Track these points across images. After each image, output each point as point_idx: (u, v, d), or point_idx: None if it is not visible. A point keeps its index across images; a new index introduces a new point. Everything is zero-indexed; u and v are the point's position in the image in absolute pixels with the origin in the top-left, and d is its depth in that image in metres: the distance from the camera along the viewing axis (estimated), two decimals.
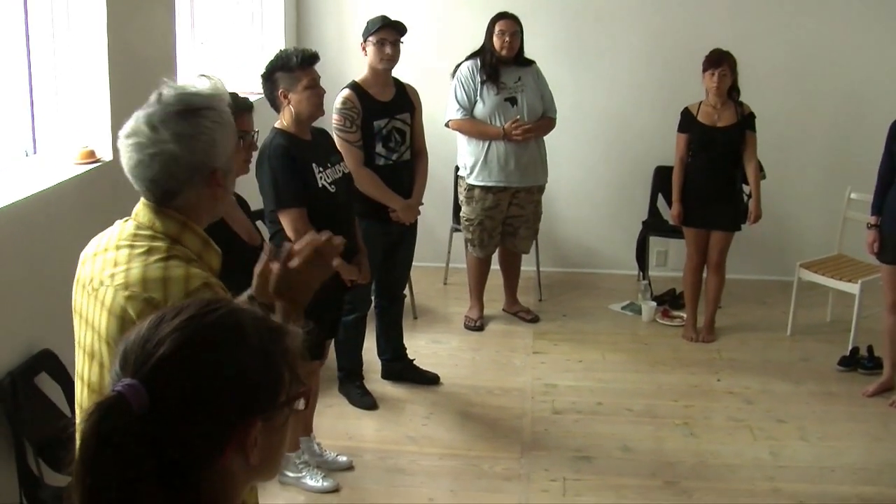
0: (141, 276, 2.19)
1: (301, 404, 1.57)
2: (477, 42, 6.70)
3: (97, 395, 2.28)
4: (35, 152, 4.40)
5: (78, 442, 1.39)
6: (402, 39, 5.66)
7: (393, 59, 5.61)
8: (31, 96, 4.37)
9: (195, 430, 1.43)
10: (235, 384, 1.46)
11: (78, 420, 1.43)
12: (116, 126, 4.48)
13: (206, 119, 2.19)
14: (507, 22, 6.58)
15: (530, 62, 6.76)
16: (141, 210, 2.28)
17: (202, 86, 2.25)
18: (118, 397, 1.38)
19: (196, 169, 2.20)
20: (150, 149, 2.19)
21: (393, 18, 5.66)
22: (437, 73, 7.15)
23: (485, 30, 6.65)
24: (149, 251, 2.22)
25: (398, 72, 5.79)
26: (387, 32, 5.58)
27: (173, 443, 1.41)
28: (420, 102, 5.85)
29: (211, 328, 1.48)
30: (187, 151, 2.18)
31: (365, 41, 5.63)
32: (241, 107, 3.55)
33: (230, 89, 3.57)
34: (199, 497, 1.45)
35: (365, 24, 5.68)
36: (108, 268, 2.24)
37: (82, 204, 4.17)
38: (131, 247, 2.24)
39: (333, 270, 2.34)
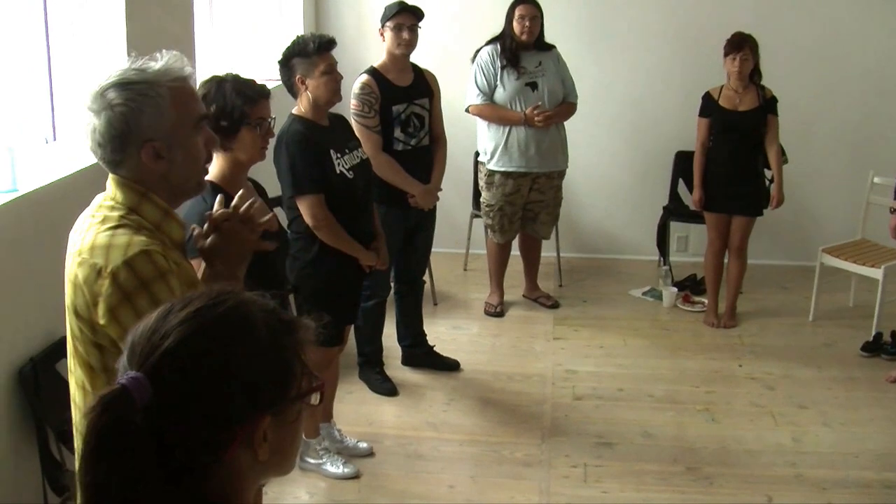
0: (91, 243, 2.27)
1: (315, 399, 1.55)
2: (497, 27, 6.68)
3: (72, 360, 2.36)
4: (55, 139, 4.41)
5: (81, 434, 1.38)
6: (420, 24, 5.63)
7: (410, 44, 5.58)
8: (51, 84, 4.38)
9: (199, 424, 1.41)
10: (242, 378, 1.44)
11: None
12: None
13: (132, 92, 2.25)
14: (527, 6, 6.55)
15: (551, 47, 6.72)
16: (109, 181, 2.37)
17: (156, 63, 2.31)
18: (121, 390, 1.37)
19: (124, 140, 2.27)
20: (86, 119, 2.29)
21: (410, 3, 5.64)
22: (456, 58, 7.14)
23: (504, 14, 6.62)
24: (103, 220, 2.31)
25: (417, 57, 5.77)
26: (404, 17, 5.56)
27: (177, 437, 1.40)
28: (439, 88, 5.82)
29: (218, 321, 1.46)
30: (108, 123, 2.25)
31: (383, 26, 5.61)
32: (259, 93, 3.54)
33: (248, 76, 3.61)
34: (206, 492, 1.44)
35: (383, 10, 5.66)
36: (76, 236, 2.35)
37: (102, 190, 4.18)
38: (93, 217, 2.34)
39: (255, 241, 2.49)
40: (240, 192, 2.49)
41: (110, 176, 2.35)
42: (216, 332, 1.45)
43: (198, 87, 3.57)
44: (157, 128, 2.27)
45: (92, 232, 2.29)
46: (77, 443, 2.38)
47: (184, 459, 1.41)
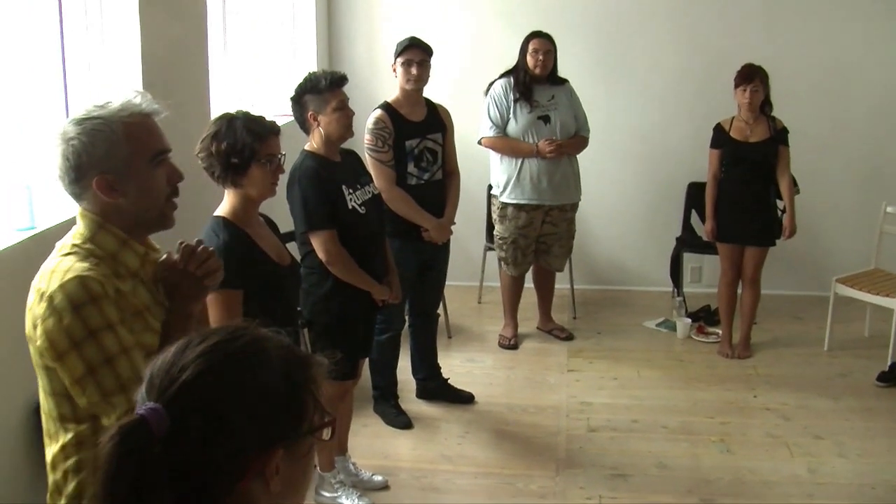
0: (42, 271, 2.38)
1: (327, 434, 1.58)
2: (510, 61, 6.73)
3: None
4: None
5: (99, 462, 1.41)
6: (431, 60, 5.67)
7: (420, 79, 5.63)
8: (67, 114, 4.43)
9: (215, 455, 1.44)
10: (256, 412, 1.48)
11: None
12: None
13: (86, 127, 2.34)
14: (541, 41, 6.60)
15: (564, 81, 6.77)
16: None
17: (119, 99, 2.40)
18: (140, 420, 1.41)
19: (79, 173, 2.36)
20: (52, 153, 2.39)
21: (423, 39, 5.69)
22: (470, 92, 7.20)
23: (516, 49, 6.67)
24: (60, 248, 2.42)
25: (430, 89, 5.82)
26: (413, 53, 5.61)
27: (193, 467, 1.43)
28: (451, 122, 5.87)
29: (234, 355, 1.50)
30: (63, 157, 2.35)
31: (394, 62, 5.67)
32: (269, 130, 3.59)
33: (259, 112, 3.65)
34: None
35: (395, 46, 5.71)
36: None
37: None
38: (56, 247, 2.44)
39: (201, 282, 2.52)
40: (181, 243, 2.53)
41: (78, 208, 2.44)
42: (232, 366, 1.49)
43: (209, 124, 3.63)
44: (109, 161, 2.34)
45: (48, 259, 2.40)
46: (55, 476, 2.44)
47: (198, 489, 1.44)
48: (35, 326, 2.31)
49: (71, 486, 2.40)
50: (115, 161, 2.34)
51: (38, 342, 2.30)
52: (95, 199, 2.38)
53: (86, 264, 2.33)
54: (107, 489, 1.38)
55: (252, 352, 1.51)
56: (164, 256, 2.54)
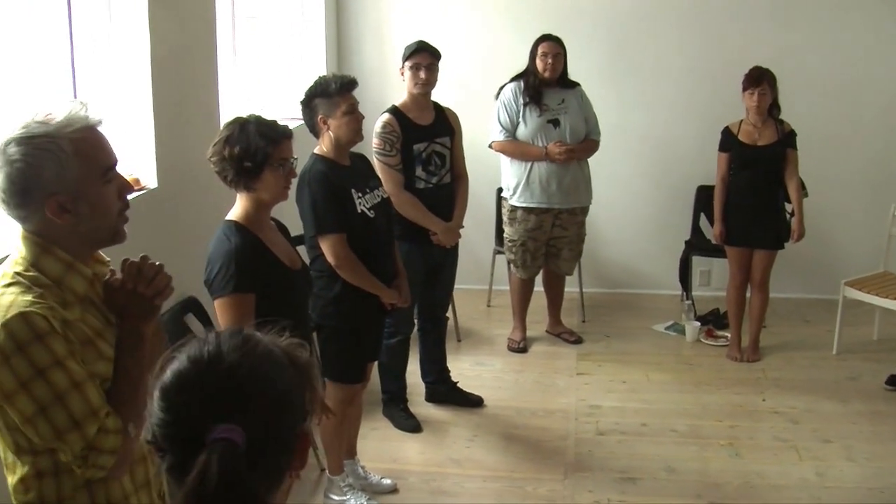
0: None
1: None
2: (519, 64, 6.74)
3: None
4: None
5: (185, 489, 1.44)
6: (439, 63, 5.68)
7: (428, 82, 5.64)
8: None
9: (280, 451, 1.55)
10: (294, 405, 1.58)
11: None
12: (160, 155, 4.60)
13: (31, 147, 2.20)
14: (550, 44, 6.61)
15: (575, 84, 6.77)
16: (17, 235, 2.34)
17: (60, 114, 2.25)
18: (226, 441, 1.46)
19: (26, 196, 2.23)
20: None
21: (432, 43, 5.70)
22: (479, 96, 7.22)
23: (526, 53, 6.68)
24: (1, 276, 2.28)
25: (439, 93, 5.83)
26: (421, 56, 5.62)
27: (266, 468, 1.53)
28: (460, 126, 5.88)
29: (263, 355, 1.58)
30: (8, 179, 2.21)
31: (402, 66, 5.68)
32: (282, 134, 3.60)
33: (271, 116, 3.66)
34: None
35: (403, 50, 5.73)
36: None
37: (129, 233, 4.24)
38: (1, 275, 2.29)
39: (151, 299, 2.40)
40: (125, 261, 2.40)
41: (20, 231, 2.32)
42: (267, 365, 1.57)
43: (221, 128, 3.64)
44: (59, 182, 2.21)
45: None
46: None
47: (268, 488, 1.55)
48: None
49: None
50: (66, 181, 2.22)
51: None
52: (42, 222, 2.26)
53: (29, 297, 2.20)
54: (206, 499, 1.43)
55: (269, 352, 1.59)
56: (108, 277, 2.41)
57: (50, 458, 2.29)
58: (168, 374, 1.56)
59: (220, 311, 3.57)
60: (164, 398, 1.53)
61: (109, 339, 2.35)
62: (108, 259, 2.50)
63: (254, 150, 3.51)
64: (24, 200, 2.23)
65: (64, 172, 2.21)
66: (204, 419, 1.48)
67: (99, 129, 2.32)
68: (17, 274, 2.26)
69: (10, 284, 2.24)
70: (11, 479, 2.35)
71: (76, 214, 2.26)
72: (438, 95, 5.82)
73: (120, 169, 2.39)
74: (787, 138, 6.49)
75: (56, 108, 2.27)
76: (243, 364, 1.54)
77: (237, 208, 3.66)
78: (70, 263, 2.31)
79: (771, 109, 6.50)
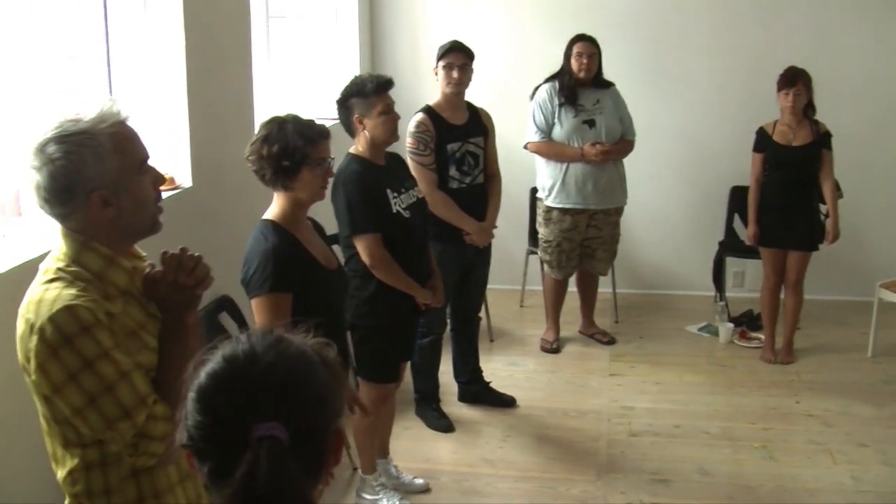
0: (28, 298, 2.29)
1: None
2: (552, 65, 6.73)
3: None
4: None
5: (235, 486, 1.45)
6: (472, 63, 5.68)
7: (461, 82, 5.64)
8: None
9: (318, 449, 1.57)
10: (335, 402, 1.61)
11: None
12: (195, 154, 4.62)
13: (71, 144, 2.23)
14: (585, 44, 6.60)
15: (609, 84, 6.76)
16: (58, 233, 2.37)
17: (92, 111, 2.30)
18: (272, 439, 1.47)
19: (69, 193, 2.26)
20: (29, 177, 2.28)
21: (466, 42, 5.70)
22: (512, 95, 7.23)
23: (560, 52, 6.67)
24: (44, 273, 2.32)
25: (473, 93, 5.83)
26: (454, 56, 5.62)
27: (307, 465, 1.53)
28: (493, 126, 5.88)
29: (299, 355, 1.59)
30: (51, 178, 2.24)
31: (436, 66, 5.69)
32: (320, 134, 3.61)
33: (308, 115, 3.67)
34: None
35: (437, 49, 5.73)
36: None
37: (163, 230, 4.27)
38: (45, 271, 2.33)
39: (192, 290, 2.41)
40: (164, 253, 2.42)
41: (59, 228, 2.36)
42: (305, 364, 1.59)
43: (259, 127, 3.66)
44: (101, 176, 2.26)
45: (33, 286, 2.31)
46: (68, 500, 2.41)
47: (313, 482, 1.57)
48: (28, 359, 2.24)
49: None
50: (107, 175, 2.27)
51: (34, 376, 2.24)
52: (84, 218, 2.30)
53: (73, 291, 2.24)
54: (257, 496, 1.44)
55: (302, 351, 1.60)
56: (147, 270, 2.44)
57: (97, 450, 2.33)
58: (203, 375, 1.56)
59: (256, 310, 3.59)
60: (202, 400, 1.54)
61: (151, 330, 2.39)
62: (145, 254, 2.53)
63: (292, 149, 3.52)
64: (67, 197, 2.26)
65: (104, 167, 2.26)
66: (245, 419, 1.48)
67: (129, 123, 2.37)
68: (60, 269, 2.29)
69: (53, 280, 2.27)
70: (61, 473, 2.39)
71: (118, 207, 2.31)
72: (471, 95, 5.82)
73: (160, 169, 2.43)
74: (823, 139, 6.45)
75: (84, 108, 2.32)
76: (280, 363, 1.55)
77: (274, 207, 3.68)
78: (110, 258, 2.35)
79: (806, 110, 6.46)
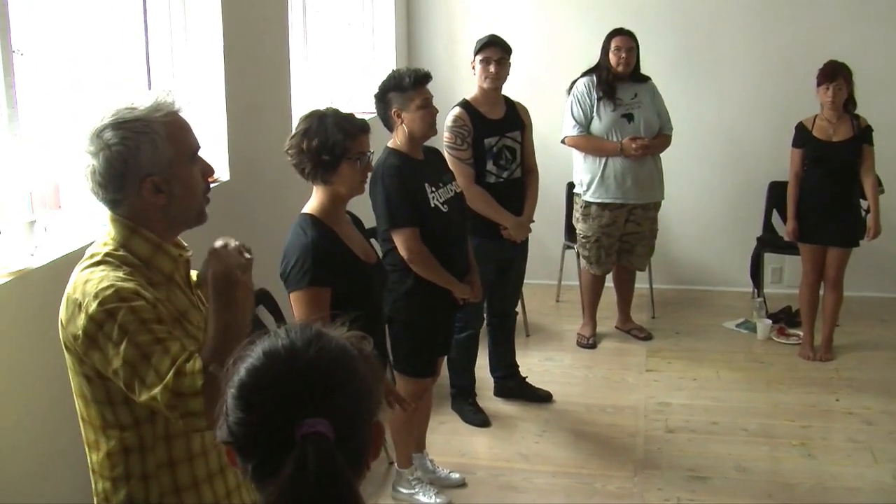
0: (75, 280, 2.32)
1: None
2: (588, 59, 6.71)
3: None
4: None
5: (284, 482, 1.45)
6: (510, 58, 5.67)
7: (498, 77, 5.62)
8: None
9: (361, 443, 1.58)
10: (367, 394, 1.60)
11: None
12: (233, 147, 4.64)
13: (127, 130, 2.28)
14: (623, 38, 6.57)
15: (646, 78, 6.73)
16: (107, 219, 2.41)
17: (147, 101, 2.34)
18: (318, 435, 1.47)
19: (124, 178, 2.31)
20: (84, 162, 2.33)
21: (502, 36, 5.68)
22: (548, 89, 7.21)
23: (597, 47, 6.66)
24: (91, 256, 2.36)
25: (510, 87, 5.81)
26: (492, 51, 5.60)
27: (351, 459, 1.53)
28: (530, 120, 5.86)
29: (337, 353, 1.58)
30: (107, 163, 2.29)
31: (473, 60, 5.67)
32: (360, 129, 3.61)
33: (346, 109, 3.67)
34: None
35: (475, 43, 5.72)
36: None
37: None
38: (91, 256, 2.37)
39: (239, 255, 2.37)
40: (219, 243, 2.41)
41: (108, 213, 2.40)
42: (347, 360, 1.59)
43: (298, 121, 3.66)
44: (155, 163, 2.31)
45: (79, 268, 2.35)
46: (103, 483, 2.42)
47: (356, 477, 1.56)
48: (76, 337, 2.26)
49: (122, 495, 2.38)
50: (161, 163, 2.32)
51: (81, 352, 2.28)
52: (135, 204, 2.35)
53: (119, 273, 2.29)
54: (308, 490, 1.44)
55: (343, 347, 1.60)
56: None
57: (136, 434, 2.34)
58: (243, 372, 1.55)
59: (295, 304, 3.60)
60: (242, 397, 1.53)
61: (194, 319, 2.41)
62: (187, 245, 2.55)
63: (332, 143, 3.53)
64: (121, 183, 2.31)
65: (159, 154, 2.31)
66: (289, 415, 1.48)
67: (182, 114, 2.41)
68: (107, 254, 2.33)
69: (99, 263, 2.32)
70: (96, 457, 2.40)
71: (169, 195, 2.35)
72: (506, 89, 5.80)
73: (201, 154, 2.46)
74: (863, 134, 6.38)
75: (138, 97, 2.36)
76: (321, 358, 1.54)
77: (313, 201, 3.68)
78: (158, 244, 2.39)
79: (846, 105, 6.40)
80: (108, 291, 2.23)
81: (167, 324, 2.27)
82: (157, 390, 2.19)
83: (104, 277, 2.26)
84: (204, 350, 2.24)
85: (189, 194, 2.40)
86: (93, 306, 2.22)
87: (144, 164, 2.30)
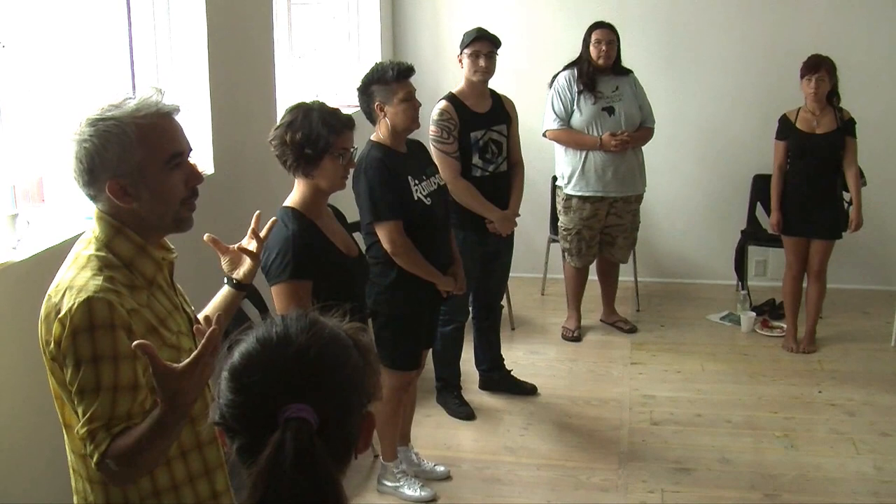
0: (58, 280, 2.29)
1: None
2: (571, 52, 6.71)
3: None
4: None
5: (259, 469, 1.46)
6: (497, 51, 5.67)
7: (487, 70, 5.63)
8: None
9: (347, 432, 1.60)
10: (358, 385, 1.62)
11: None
12: (217, 141, 4.62)
13: (98, 129, 2.25)
14: (604, 31, 6.58)
15: (628, 71, 6.74)
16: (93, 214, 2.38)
17: (135, 99, 2.30)
18: (300, 420, 1.49)
19: (91, 175, 2.27)
20: (68, 148, 2.30)
21: (488, 30, 5.69)
22: (532, 83, 7.20)
23: (579, 40, 6.66)
24: (75, 258, 2.32)
25: (495, 81, 5.81)
26: (481, 44, 5.61)
27: (335, 447, 1.55)
28: (516, 114, 5.86)
29: (329, 342, 1.61)
30: (76, 157, 2.27)
31: (461, 53, 5.67)
32: (344, 124, 3.61)
33: (332, 103, 3.67)
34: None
35: (462, 37, 5.72)
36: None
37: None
38: (76, 255, 2.33)
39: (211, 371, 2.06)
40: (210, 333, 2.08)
41: (95, 210, 2.36)
42: (333, 349, 1.61)
43: (284, 113, 3.66)
44: (122, 165, 2.25)
45: (64, 268, 2.32)
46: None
47: (340, 464, 1.59)
48: (48, 343, 2.23)
49: (100, 496, 2.34)
50: (128, 165, 2.25)
51: (52, 356, 2.24)
52: (110, 203, 2.30)
53: (99, 281, 2.21)
54: (280, 489, 1.45)
55: (335, 333, 1.63)
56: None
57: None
58: (237, 355, 1.59)
59: (276, 297, 3.60)
60: (235, 379, 1.57)
61: (172, 325, 2.37)
62: (173, 247, 2.52)
63: (315, 137, 3.53)
64: (90, 179, 2.28)
65: (126, 156, 2.25)
66: (276, 399, 1.51)
67: (173, 116, 2.35)
68: (91, 257, 2.29)
69: (83, 266, 2.27)
70: (74, 457, 2.38)
71: (137, 198, 2.29)
72: (491, 83, 5.80)
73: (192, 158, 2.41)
74: (846, 126, 6.40)
75: (136, 93, 2.34)
76: (312, 345, 1.57)
77: (294, 194, 3.68)
78: (141, 246, 2.34)
79: (830, 97, 6.42)
80: (84, 310, 2.17)
81: (139, 353, 2.04)
82: (82, 431, 2.17)
83: (84, 286, 2.20)
84: (126, 437, 2.15)
85: (159, 201, 2.32)
86: (67, 322, 2.17)
87: (110, 165, 2.25)
